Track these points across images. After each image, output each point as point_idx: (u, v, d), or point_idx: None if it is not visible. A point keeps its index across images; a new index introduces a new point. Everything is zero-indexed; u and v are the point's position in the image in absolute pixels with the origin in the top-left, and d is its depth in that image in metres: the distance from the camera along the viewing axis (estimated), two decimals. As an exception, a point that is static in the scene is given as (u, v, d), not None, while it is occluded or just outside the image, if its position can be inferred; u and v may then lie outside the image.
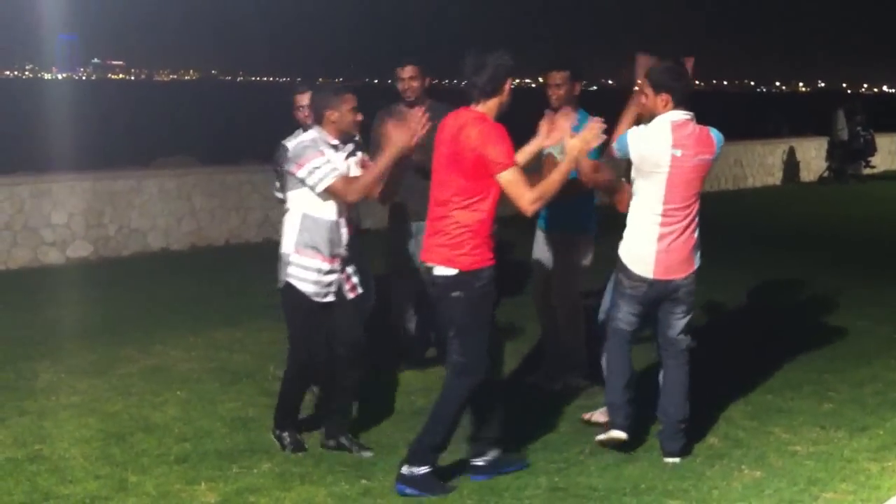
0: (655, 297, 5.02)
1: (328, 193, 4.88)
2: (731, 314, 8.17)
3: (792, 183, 19.94)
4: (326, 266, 4.97)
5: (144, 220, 10.89)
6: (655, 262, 4.94)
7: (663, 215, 4.92)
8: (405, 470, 4.58)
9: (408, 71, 6.15)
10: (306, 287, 4.97)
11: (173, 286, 9.16)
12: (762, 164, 19.57)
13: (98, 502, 4.45)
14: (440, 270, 4.59)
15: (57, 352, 6.78)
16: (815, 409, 5.83)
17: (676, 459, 5.03)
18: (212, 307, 8.25)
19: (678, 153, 4.88)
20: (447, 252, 4.57)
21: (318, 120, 4.98)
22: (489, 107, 4.63)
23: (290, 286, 4.99)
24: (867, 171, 20.62)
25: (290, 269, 4.97)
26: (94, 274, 9.83)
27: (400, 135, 4.82)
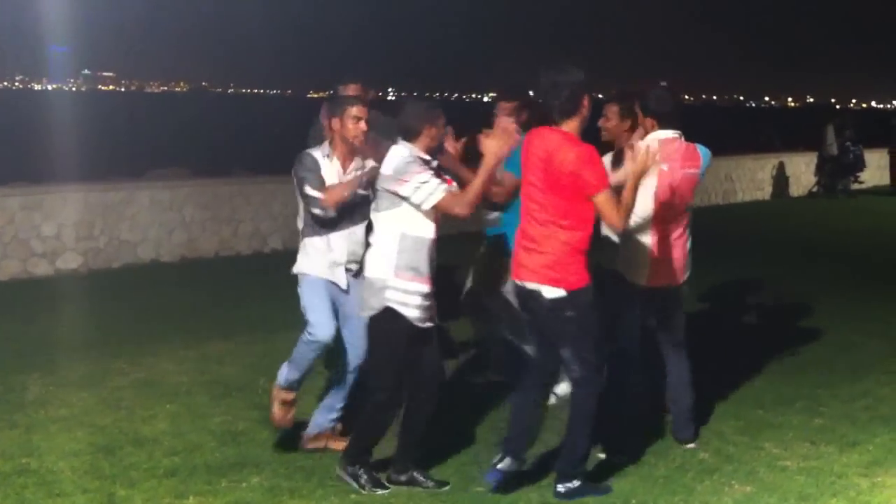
0: (649, 301, 5.31)
1: (435, 210, 4.65)
2: (722, 328, 8.17)
3: (781, 198, 20.01)
4: (427, 289, 4.72)
5: (135, 232, 10.87)
6: (650, 270, 5.24)
7: (655, 225, 5.20)
8: (560, 488, 4.70)
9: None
10: (410, 312, 4.68)
11: (164, 298, 9.13)
12: (752, 179, 19.63)
13: (87, 516, 4.43)
14: (550, 292, 4.59)
15: (46, 364, 6.75)
16: (806, 425, 5.83)
17: (693, 445, 5.39)
18: (203, 319, 8.22)
19: (665, 167, 5.11)
20: (555, 273, 4.59)
21: (411, 135, 4.75)
22: (572, 126, 4.66)
23: (390, 311, 4.67)
24: (856, 185, 20.71)
25: (390, 294, 4.66)
26: (83, 286, 9.80)
27: (496, 144, 4.69)
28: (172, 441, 5.37)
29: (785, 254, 12.52)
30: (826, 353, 7.43)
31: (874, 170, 21.70)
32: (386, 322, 4.70)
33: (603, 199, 4.53)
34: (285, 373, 5.08)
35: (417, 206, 4.63)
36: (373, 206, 4.84)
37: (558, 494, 4.71)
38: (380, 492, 4.73)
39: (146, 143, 31.49)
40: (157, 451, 5.22)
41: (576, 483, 4.72)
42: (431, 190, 4.61)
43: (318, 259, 5.09)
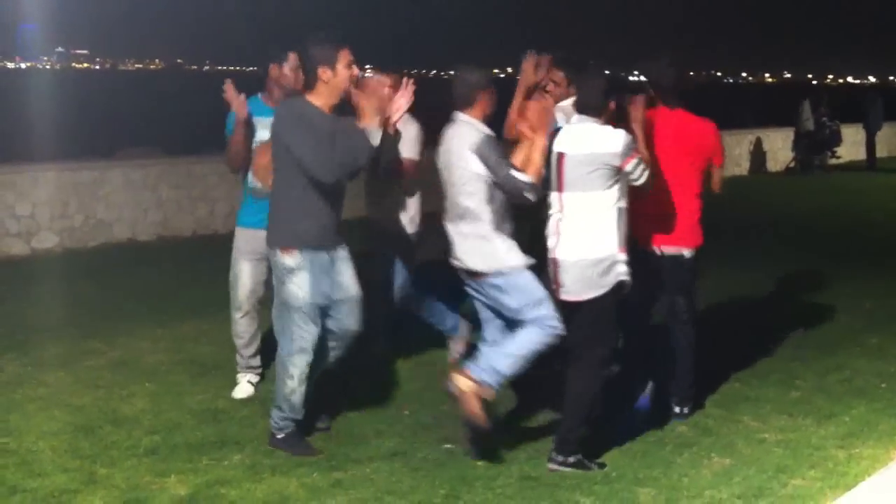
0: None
1: (644, 183, 4.86)
2: (695, 304, 8.20)
3: (759, 173, 20.10)
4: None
5: (110, 211, 10.80)
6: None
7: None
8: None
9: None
10: (630, 280, 4.84)
11: (140, 277, 9.09)
12: (729, 155, 19.66)
13: (67, 496, 4.41)
14: (687, 251, 5.49)
15: (23, 344, 6.71)
16: (783, 398, 5.88)
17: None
18: (179, 298, 8.19)
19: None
20: (688, 235, 5.46)
21: (600, 112, 4.83)
22: (681, 105, 5.31)
23: (618, 284, 4.80)
24: (833, 161, 20.82)
25: (619, 268, 4.77)
26: (59, 265, 9.74)
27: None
28: (152, 420, 5.35)
29: (758, 229, 12.59)
30: (800, 327, 7.47)
31: (850, 145, 21.82)
32: (613, 295, 4.82)
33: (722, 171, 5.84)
34: (503, 371, 4.76)
35: (636, 180, 4.83)
36: (576, 186, 4.76)
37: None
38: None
39: (121, 121, 31.25)
40: (136, 430, 5.20)
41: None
42: (644, 166, 4.85)
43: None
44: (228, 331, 7.05)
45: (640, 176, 4.80)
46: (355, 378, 6.09)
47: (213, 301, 7.96)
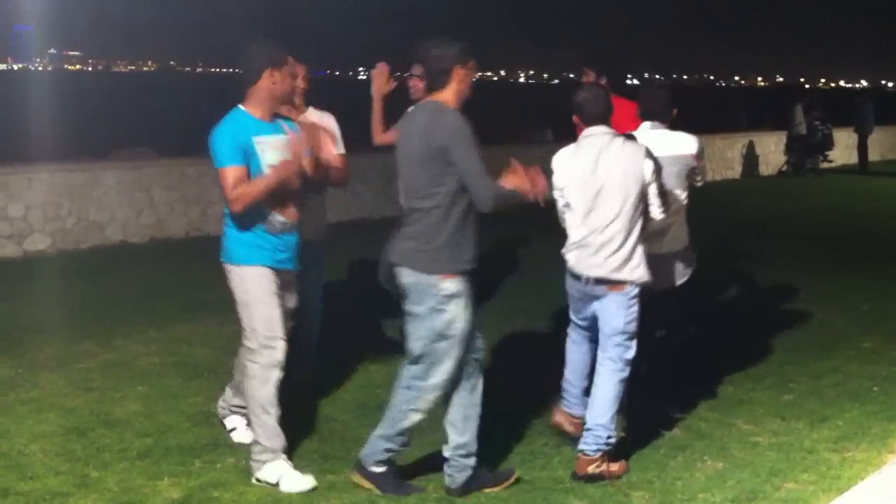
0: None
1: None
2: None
3: (751, 177, 20.14)
4: None
5: (103, 213, 10.77)
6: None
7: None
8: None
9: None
10: None
11: (133, 279, 9.07)
12: (722, 158, 19.74)
13: (59, 499, 4.39)
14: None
15: (15, 346, 6.68)
16: (776, 401, 5.89)
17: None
18: (172, 301, 8.17)
19: None
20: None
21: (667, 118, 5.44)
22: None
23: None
24: (825, 165, 20.87)
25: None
26: (52, 267, 9.71)
27: None
28: (144, 422, 5.33)
29: (753, 233, 12.61)
30: (793, 330, 7.50)
31: (843, 149, 21.89)
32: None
33: None
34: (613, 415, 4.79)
35: (702, 181, 5.50)
36: (674, 185, 5.25)
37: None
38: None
39: (113, 123, 31.18)
40: (129, 432, 5.18)
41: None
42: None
43: None
44: (221, 334, 7.08)
45: (704, 177, 5.45)
46: (348, 381, 6.09)
47: (206, 304, 7.95)
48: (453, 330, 4.39)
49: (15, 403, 5.59)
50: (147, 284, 8.84)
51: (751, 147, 20.50)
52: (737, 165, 20.13)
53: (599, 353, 4.86)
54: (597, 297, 4.79)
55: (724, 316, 7.99)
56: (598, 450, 4.70)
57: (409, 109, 4.89)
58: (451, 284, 4.37)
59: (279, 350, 4.60)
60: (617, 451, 5.04)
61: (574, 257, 4.84)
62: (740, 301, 8.63)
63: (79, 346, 6.76)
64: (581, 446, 4.75)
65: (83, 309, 7.83)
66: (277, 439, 4.60)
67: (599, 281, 4.75)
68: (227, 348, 6.67)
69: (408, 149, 4.43)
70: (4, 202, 10.12)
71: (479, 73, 4.80)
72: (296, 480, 4.53)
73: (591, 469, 4.69)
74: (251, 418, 4.65)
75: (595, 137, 4.79)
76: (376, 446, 4.52)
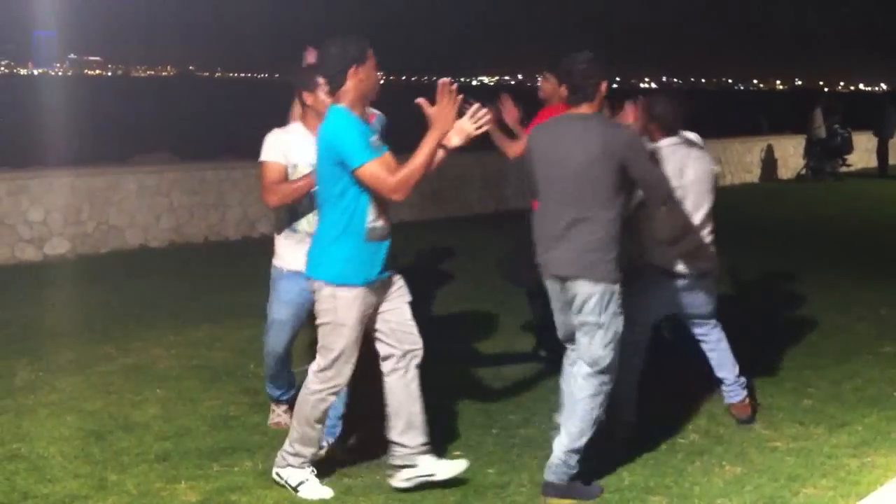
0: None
1: None
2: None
3: (770, 180, 20.05)
4: None
5: (123, 217, 10.83)
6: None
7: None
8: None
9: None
10: None
11: (152, 283, 9.11)
12: (740, 162, 19.67)
13: (77, 501, 4.41)
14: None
15: (35, 350, 6.73)
16: (795, 406, 5.86)
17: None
18: (191, 305, 8.20)
19: None
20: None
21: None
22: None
23: None
24: (844, 168, 20.76)
25: None
26: (71, 271, 9.77)
27: None
28: (163, 426, 5.36)
29: (770, 236, 12.55)
30: (813, 334, 7.46)
31: (862, 152, 21.75)
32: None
33: None
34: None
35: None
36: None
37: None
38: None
39: (133, 127, 31.38)
40: (147, 435, 5.21)
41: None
42: None
43: None
44: (240, 337, 7.11)
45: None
46: (366, 387, 6.10)
47: (225, 307, 8.00)
48: (621, 327, 4.62)
49: (35, 406, 5.63)
50: (166, 288, 8.88)
51: (769, 151, 20.41)
52: (755, 169, 20.05)
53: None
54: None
55: (743, 320, 7.94)
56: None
57: (547, 121, 4.97)
58: (618, 286, 4.59)
59: (346, 377, 4.52)
60: (635, 455, 5.03)
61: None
62: (759, 305, 8.59)
63: (98, 349, 6.80)
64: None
65: (102, 313, 7.88)
66: (313, 450, 4.60)
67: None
68: (245, 352, 6.71)
69: (563, 159, 4.55)
70: (25, 206, 10.19)
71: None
72: (316, 489, 4.53)
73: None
74: (294, 424, 4.57)
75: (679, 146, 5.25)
76: (567, 461, 4.55)
